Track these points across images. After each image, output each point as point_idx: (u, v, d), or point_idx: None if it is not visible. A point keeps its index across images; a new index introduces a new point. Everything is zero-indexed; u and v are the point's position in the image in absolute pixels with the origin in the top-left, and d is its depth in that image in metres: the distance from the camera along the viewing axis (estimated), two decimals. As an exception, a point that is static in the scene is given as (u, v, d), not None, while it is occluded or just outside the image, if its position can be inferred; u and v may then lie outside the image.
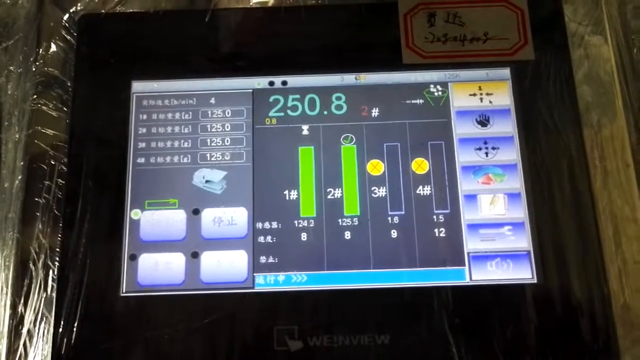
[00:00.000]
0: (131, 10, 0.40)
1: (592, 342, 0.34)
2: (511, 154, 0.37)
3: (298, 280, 0.35)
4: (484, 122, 0.38)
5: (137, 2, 0.40)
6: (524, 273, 0.35)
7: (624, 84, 0.39)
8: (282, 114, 0.38)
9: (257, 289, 0.35)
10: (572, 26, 0.40)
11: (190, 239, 0.36)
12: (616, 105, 0.38)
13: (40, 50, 0.39)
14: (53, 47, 0.39)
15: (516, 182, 0.36)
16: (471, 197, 0.36)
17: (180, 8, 0.41)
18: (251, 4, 0.41)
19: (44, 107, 0.38)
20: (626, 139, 0.38)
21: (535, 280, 0.35)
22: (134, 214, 0.36)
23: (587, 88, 0.39)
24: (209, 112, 0.38)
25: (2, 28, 0.41)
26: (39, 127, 0.38)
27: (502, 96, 0.38)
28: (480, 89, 0.38)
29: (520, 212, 0.36)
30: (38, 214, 0.36)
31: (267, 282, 0.35)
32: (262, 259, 0.35)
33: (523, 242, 0.36)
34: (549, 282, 0.35)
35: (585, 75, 0.39)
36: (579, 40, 0.39)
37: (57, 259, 0.35)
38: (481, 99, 0.38)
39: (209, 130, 0.38)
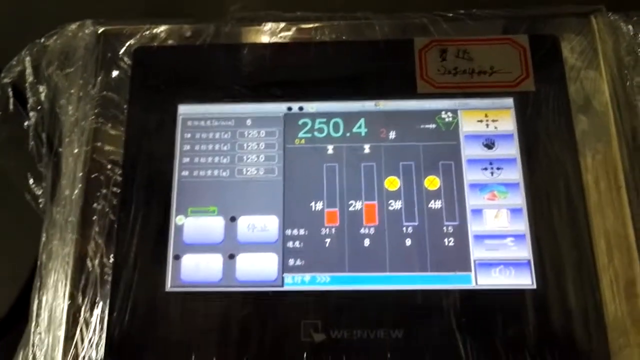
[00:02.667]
0: (178, 43, 0.45)
1: (585, 345, 0.37)
2: (514, 174, 0.41)
3: (322, 281, 0.39)
4: (489, 145, 0.42)
5: (183, 37, 0.46)
6: (524, 280, 0.39)
7: (618, 113, 0.42)
8: (310, 135, 0.43)
9: (286, 288, 0.39)
10: (570, 61, 0.44)
11: (228, 243, 0.40)
12: (610, 132, 0.42)
13: (99, 77, 0.44)
14: (110, 75, 0.44)
15: (518, 199, 0.40)
16: (477, 211, 0.40)
17: (220, 42, 0.46)
18: (272, 36, 0.46)
19: (102, 126, 0.43)
20: (619, 163, 0.41)
21: (534, 287, 0.39)
22: (179, 219, 0.41)
23: (583, 117, 0.42)
24: (246, 132, 0.43)
25: (63, 57, 0.46)
26: (98, 143, 0.43)
27: (506, 122, 0.42)
28: (486, 116, 0.43)
29: (522, 226, 0.40)
30: (95, 218, 0.41)
31: (295, 282, 0.39)
32: (291, 261, 0.40)
33: (524, 252, 0.39)
34: (547, 289, 0.38)
35: (581, 106, 0.43)
36: (576, 74, 0.43)
37: (112, 257, 0.40)
38: (487, 125, 0.42)
39: (245, 148, 0.42)
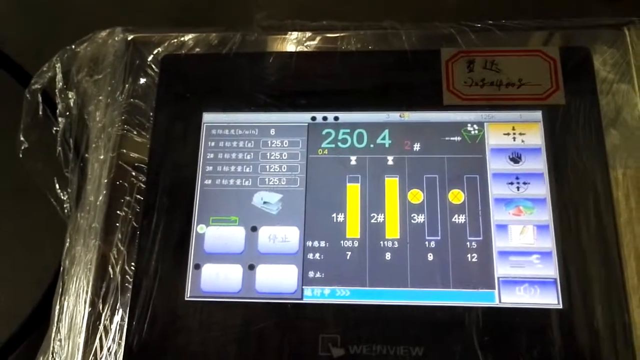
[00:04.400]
0: (205, 52, 0.46)
1: (614, 368, 0.36)
2: (541, 189, 0.40)
3: (342, 295, 0.39)
4: (516, 159, 0.41)
5: (210, 45, 0.46)
6: (550, 299, 0.38)
7: (650, 128, 0.41)
8: (333, 145, 0.42)
9: (305, 300, 0.39)
10: (602, 74, 0.43)
11: (248, 253, 0.40)
12: (642, 148, 0.41)
13: (127, 84, 0.45)
14: (138, 82, 0.45)
15: (545, 215, 0.39)
16: (502, 227, 0.40)
17: (246, 50, 0.46)
18: (298, 45, 0.46)
19: (128, 133, 0.44)
20: (651, 180, 0.40)
21: (560, 306, 0.37)
22: (200, 228, 0.41)
23: (615, 131, 0.41)
24: (269, 141, 0.43)
25: (93, 63, 0.46)
26: (123, 150, 0.43)
27: (534, 136, 0.41)
28: (513, 129, 0.42)
29: (548, 243, 0.39)
30: (118, 224, 0.41)
31: (315, 295, 0.39)
32: (311, 274, 0.39)
33: (550, 270, 0.38)
34: (573, 309, 0.37)
35: (612, 120, 0.41)
36: (607, 88, 0.42)
37: (133, 264, 0.40)
38: (514, 138, 0.42)
39: (268, 157, 0.42)
